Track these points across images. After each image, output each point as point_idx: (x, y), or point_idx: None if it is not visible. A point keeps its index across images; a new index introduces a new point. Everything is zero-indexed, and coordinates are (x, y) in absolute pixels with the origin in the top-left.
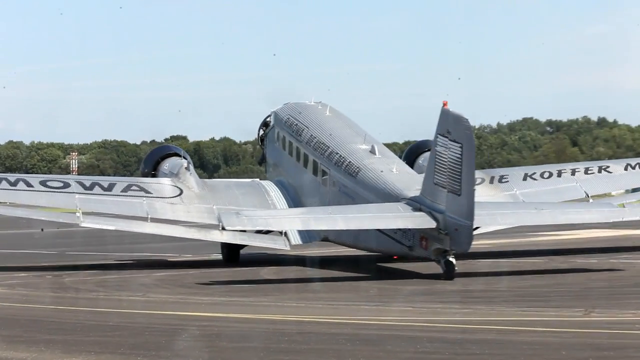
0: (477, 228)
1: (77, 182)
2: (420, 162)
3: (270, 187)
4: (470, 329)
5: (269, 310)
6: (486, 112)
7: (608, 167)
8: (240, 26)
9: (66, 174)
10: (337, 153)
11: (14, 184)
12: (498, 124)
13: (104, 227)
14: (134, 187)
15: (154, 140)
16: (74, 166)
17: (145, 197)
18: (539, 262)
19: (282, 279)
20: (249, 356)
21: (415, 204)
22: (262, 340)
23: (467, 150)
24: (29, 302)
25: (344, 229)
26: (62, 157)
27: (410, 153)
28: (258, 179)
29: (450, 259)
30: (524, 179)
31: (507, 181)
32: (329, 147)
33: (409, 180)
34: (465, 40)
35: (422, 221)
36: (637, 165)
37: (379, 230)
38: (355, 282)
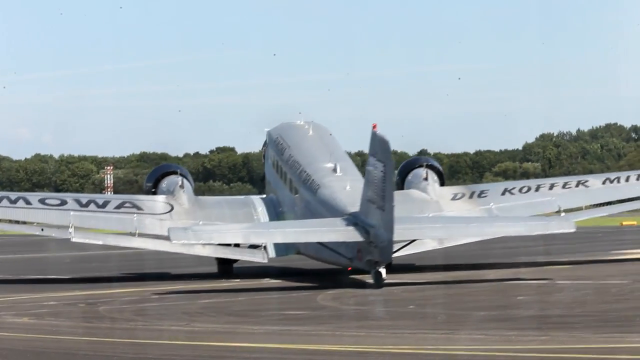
0: (412, 242)
1: (74, 199)
2: (409, 178)
3: (259, 203)
4: (548, 358)
5: (327, 340)
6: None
7: (587, 181)
8: (291, 31)
9: (100, 191)
10: (305, 171)
11: (14, 202)
12: (578, 131)
13: (93, 241)
14: (127, 204)
15: (197, 153)
16: (108, 182)
17: (136, 213)
18: (622, 284)
19: (340, 305)
20: None
21: (352, 219)
22: None
23: (388, 170)
24: (60, 333)
25: (281, 242)
26: (95, 172)
27: (403, 169)
28: (253, 196)
29: (380, 269)
30: (503, 193)
31: (486, 196)
32: (300, 166)
33: (357, 197)
34: (544, 41)
35: (350, 235)
36: (616, 180)
37: (324, 245)
38: (421, 309)
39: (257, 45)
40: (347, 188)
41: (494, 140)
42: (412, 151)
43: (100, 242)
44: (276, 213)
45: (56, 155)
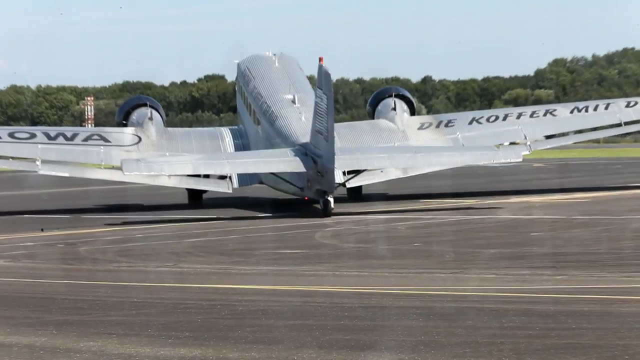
0: (361, 172)
1: (43, 132)
2: (379, 108)
3: (227, 134)
4: (564, 300)
5: (327, 282)
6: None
7: (555, 110)
8: None
9: (80, 123)
10: (266, 102)
11: None
12: (594, 56)
13: (59, 174)
14: (95, 137)
15: (185, 82)
16: (89, 113)
17: (103, 145)
18: None
19: (340, 243)
20: (303, 336)
21: (303, 149)
22: (318, 317)
23: (330, 102)
24: (37, 276)
25: (230, 173)
26: (75, 103)
27: (374, 99)
28: (223, 127)
29: (329, 198)
30: (470, 122)
31: (453, 125)
32: (262, 97)
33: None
34: None
35: (296, 165)
36: (585, 109)
37: (278, 175)
38: (427, 246)
39: None
40: (302, 119)
41: (503, 66)
42: (415, 78)
43: (67, 174)
44: (243, 144)
45: (33, 86)
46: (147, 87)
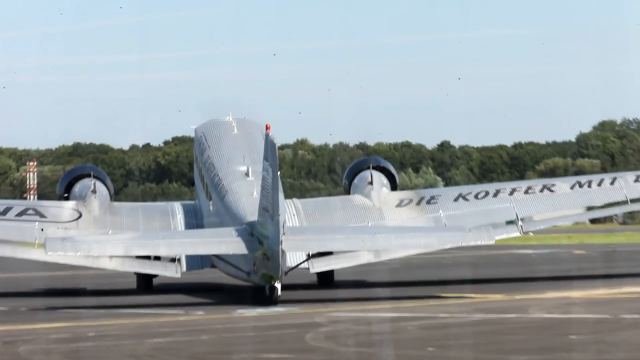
0: (329, 254)
1: None
2: (355, 182)
3: (179, 210)
4: None
5: None
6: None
7: (553, 185)
8: None
9: (20, 194)
10: (218, 175)
11: None
12: None
13: None
14: (30, 211)
15: (148, 144)
16: (31, 181)
17: (38, 221)
18: None
19: (337, 347)
20: None
21: (249, 228)
22: None
23: (275, 176)
24: None
25: (166, 254)
26: (14, 169)
27: (349, 172)
28: (176, 202)
29: (275, 284)
30: (456, 199)
31: (436, 202)
32: (215, 169)
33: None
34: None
35: (234, 247)
36: (587, 184)
37: (222, 258)
38: (443, 351)
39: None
40: (254, 194)
41: (538, 130)
42: (431, 143)
43: None
44: (196, 222)
45: None
46: (103, 150)
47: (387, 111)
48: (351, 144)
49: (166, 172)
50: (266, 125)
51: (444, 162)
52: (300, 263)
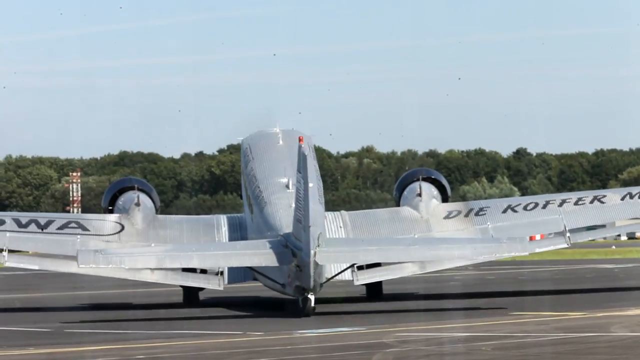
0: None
1: (12, 219)
2: (405, 194)
3: (224, 223)
4: None
5: None
6: None
7: (604, 196)
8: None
9: (63, 207)
10: (259, 187)
11: None
12: None
13: (28, 266)
14: (72, 225)
15: (201, 153)
16: (74, 193)
17: (80, 234)
18: None
19: None
20: None
21: (283, 240)
22: None
23: (306, 187)
24: None
25: (198, 266)
26: (56, 180)
27: (399, 184)
28: (223, 215)
29: (309, 296)
30: (504, 211)
31: (484, 214)
32: (256, 180)
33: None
34: None
35: (266, 259)
36: (638, 196)
37: (258, 271)
38: None
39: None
40: (293, 206)
41: (621, 136)
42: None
43: (37, 267)
44: (241, 235)
45: (1, 157)
46: (151, 159)
47: (459, 117)
48: (420, 152)
49: (221, 183)
50: (299, 138)
51: (520, 171)
52: (336, 275)
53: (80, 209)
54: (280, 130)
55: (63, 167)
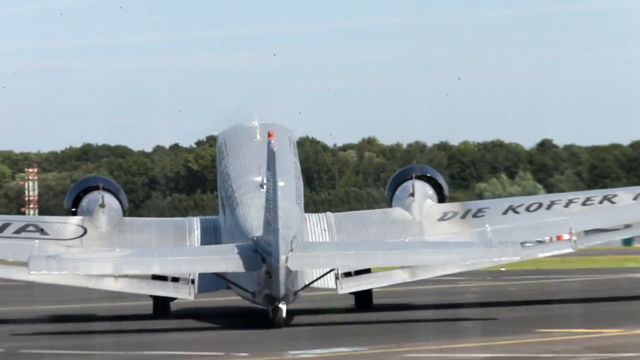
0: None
1: None
2: (397, 193)
3: (197, 226)
4: None
5: None
6: None
7: (615, 196)
8: None
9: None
10: (231, 186)
11: None
12: None
13: None
14: (30, 228)
15: (177, 145)
16: (31, 192)
17: (39, 239)
18: None
19: None
20: None
21: (253, 245)
22: None
23: (275, 186)
24: None
25: (159, 273)
26: (9, 177)
27: (392, 183)
28: (196, 217)
29: (280, 305)
30: (505, 212)
31: (483, 215)
32: (230, 179)
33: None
34: None
35: (232, 264)
36: None
37: (226, 278)
38: None
39: None
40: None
41: None
42: (528, 142)
43: None
44: (215, 239)
45: None
46: (119, 153)
47: (474, 104)
48: (430, 144)
49: (199, 180)
50: (268, 132)
51: (545, 166)
52: (313, 281)
53: (37, 210)
54: (258, 124)
55: (17, 163)
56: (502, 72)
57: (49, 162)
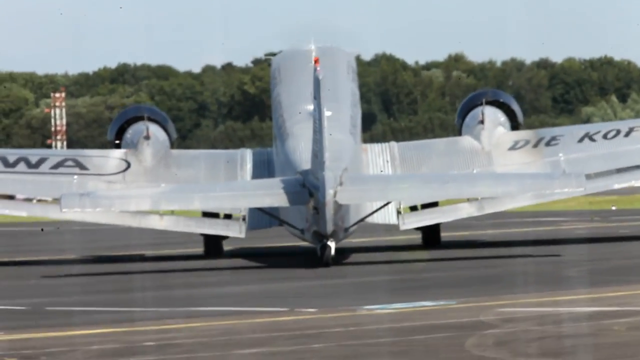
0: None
1: None
2: (466, 120)
3: (249, 159)
4: None
5: None
6: None
7: None
8: None
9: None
10: (282, 116)
11: None
12: None
13: (13, 213)
14: (68, 163)
15: (230, 65)
16: (58, 120)
17: (77, 174)
18: None
19: (513, 355)
20: None
21: (300, 179)
22: None
23: (321, 115)
24: None
25: (199, 208)
26: (32, 103)
27: (462, 109)
28: (248, 150)
29: (328, 243)
30: (581, 140)
31: (557, 144)
32: (281, 108)
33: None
34: None
35: (276, 199)
36: None
37: (274, 215)
38: None
39: None
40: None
41: None
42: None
43: (24, 214)
44: (268, 172)
45: None
46: (162, 74)
47: (579, 15)
48: (528, 61)
49: (257, 106)
50: (314, 59)
51: None
52: (368, 216)
53: (65, 143)
54: (315, 47)
55: (42, 86)
56: None
57: (78, 85)
